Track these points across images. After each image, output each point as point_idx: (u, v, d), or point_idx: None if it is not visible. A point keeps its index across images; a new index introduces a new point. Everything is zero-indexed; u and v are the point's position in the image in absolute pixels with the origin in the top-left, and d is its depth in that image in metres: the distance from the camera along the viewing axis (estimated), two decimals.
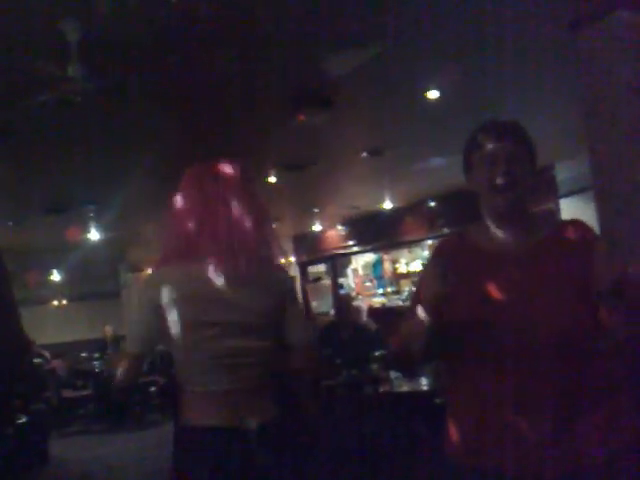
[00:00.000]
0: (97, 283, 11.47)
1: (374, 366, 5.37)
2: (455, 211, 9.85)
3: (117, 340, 9.88)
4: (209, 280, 1.91)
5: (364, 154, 7.30)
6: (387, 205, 10.08)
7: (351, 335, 6.10)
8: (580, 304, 1.50)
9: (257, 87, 5.25)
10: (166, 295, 1.91)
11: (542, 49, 4.71)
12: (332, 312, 10.61)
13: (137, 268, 11.99)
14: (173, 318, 1.91)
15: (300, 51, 4.64)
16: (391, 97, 5.67)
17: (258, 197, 2.11)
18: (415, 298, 1.72)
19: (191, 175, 2.10)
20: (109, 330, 10.49)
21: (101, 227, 9.06)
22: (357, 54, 4.73)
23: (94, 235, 9.13)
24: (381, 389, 4.79)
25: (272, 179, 7.88)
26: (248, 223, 1.98)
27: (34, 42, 4.03)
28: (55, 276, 11.45)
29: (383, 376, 5.06)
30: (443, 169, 8.22)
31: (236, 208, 1.97)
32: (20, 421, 5.66)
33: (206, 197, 1.99)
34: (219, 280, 1.91)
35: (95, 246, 9.58)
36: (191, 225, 1.96)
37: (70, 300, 12.34)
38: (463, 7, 4.10)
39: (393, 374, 5.15)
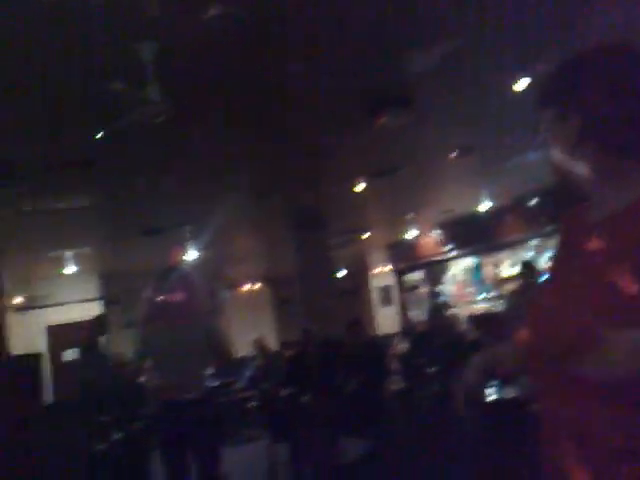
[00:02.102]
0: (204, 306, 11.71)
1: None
2: (559, 206, 9.30)
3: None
4: None
5: (454, 153, 7.01)
6: (484, 205, 9.66)
7: (444, 344, 5.84)
8: None
9: (337, 94, 5.14)
10: None
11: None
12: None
13: (234, 285, 12.14)
14: None
15: (380, 50, 4.49)
16: (476, 91, 5.38)
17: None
18: None
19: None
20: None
21: (197, 246, 9.22)
22: (438, 49, 4.51)
23: (191, 255, 9.29)
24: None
25: (361, 187, 7.73)
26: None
27: (111, 66, 4.10)
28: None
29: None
30: (542, 163, 7.77)
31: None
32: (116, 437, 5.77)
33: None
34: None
35: (192, 266, 9.76)
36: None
37: None
38: None
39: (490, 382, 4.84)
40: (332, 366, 5.30)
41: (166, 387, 4.21)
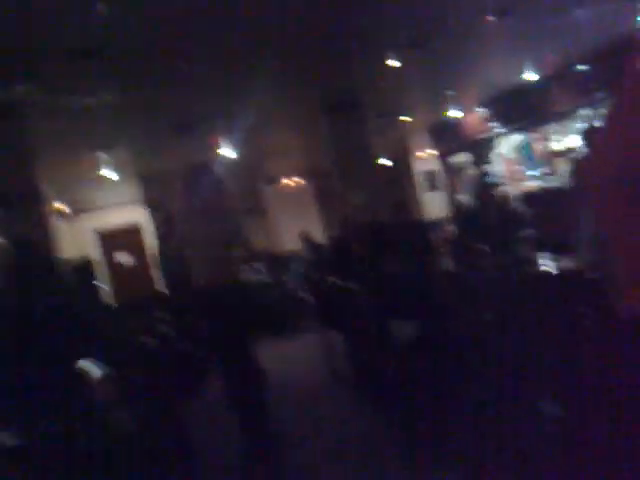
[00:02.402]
0: (237, 201, 11.61)
1: (520, 248, 4.92)
2: (611, 71, 8.63)
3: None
4: None
5: (490, 17, 6.44)
6: (530, 75, 9.04)
7: (495, 222, 5.64)
8: None
9: None
10: None
11: None
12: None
13: (275, 180, 11.91)
14: None
15: None
16: None
17: None
18: None
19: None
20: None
21: (234, 141, 8.96)
22: None
23: (227, 150, 9.05)
24: (528, 271, 4.33)
25: (395, 62, 7.23)
26: None
27: None
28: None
29: (531, 257, 4.59)
30: (592, 22, 7.12)
31: None
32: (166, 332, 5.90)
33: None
34: None
35: (230, 162, 9.56)
36: None
37: None
38: None
39: (542, 254, 4.66)
40: (377, 250, 5.16)
41: (200, 275, 4.44)
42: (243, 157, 9.56)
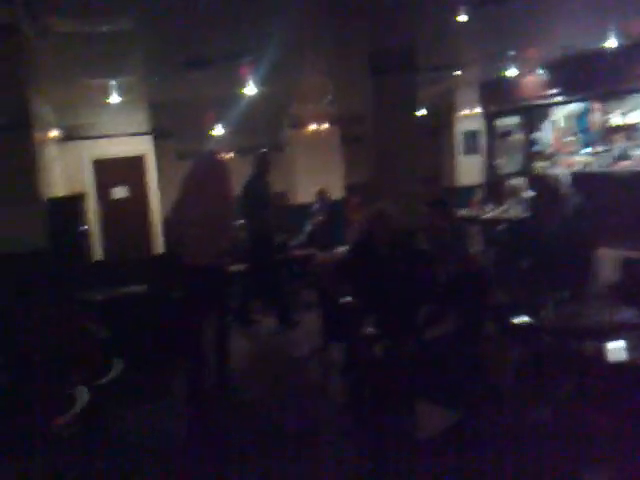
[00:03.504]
0: (259, 137, 10.62)
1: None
2: None
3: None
4: None
5: None
6: (611, 43, 7.74)
7: (555, 234, 4.16)
8: None
9: None
10: None
11: None
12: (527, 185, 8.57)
13: (299, 123, 11.02)
14: None
15: None
16: None
17: None
18: None
19: None
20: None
21: (259, 80, 7.89)
22: None
23: (252, 89, 7.99)
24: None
25: (463, 17, 6.05)
26: None
27: None
28: (218, 130, 10.70)
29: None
30: None
31: None
32: None
33: None
34: None
35: (254, 100, 8.52)
36: None
37: (237, 153, 11.62)
38: None
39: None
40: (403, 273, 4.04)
41: (192, 254, 4.54)
42: (267, 95, 8.51)
